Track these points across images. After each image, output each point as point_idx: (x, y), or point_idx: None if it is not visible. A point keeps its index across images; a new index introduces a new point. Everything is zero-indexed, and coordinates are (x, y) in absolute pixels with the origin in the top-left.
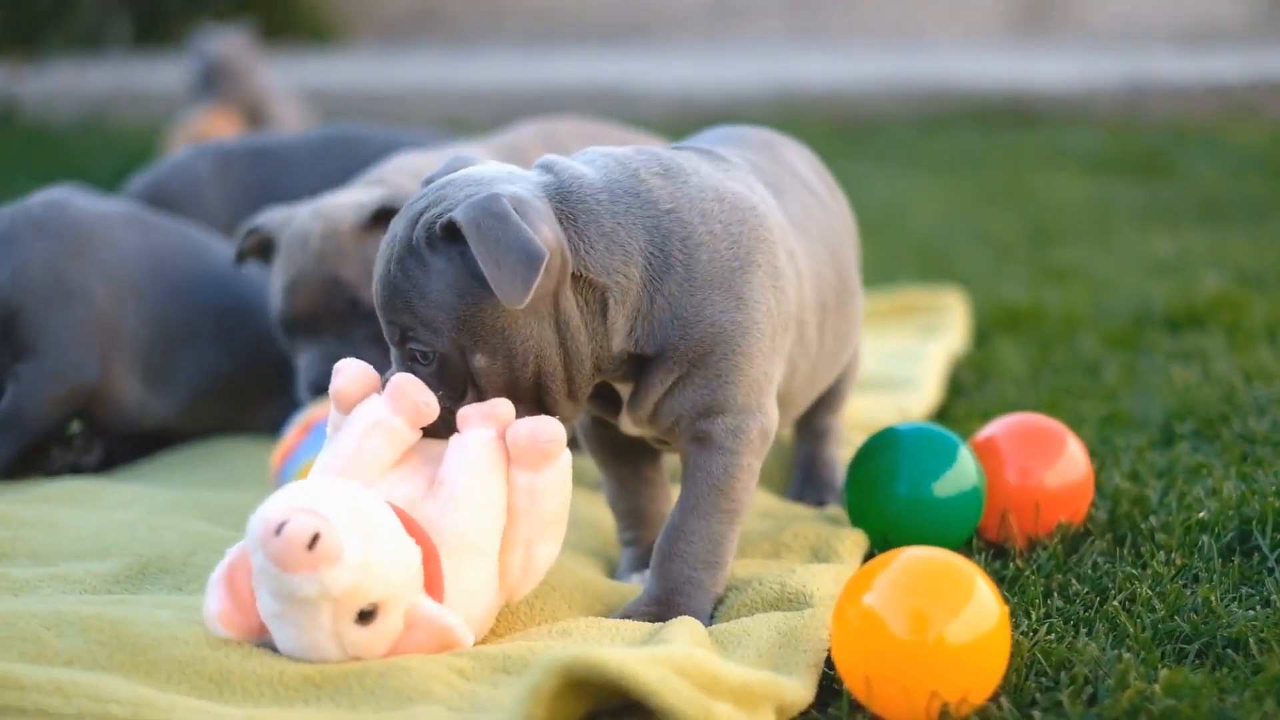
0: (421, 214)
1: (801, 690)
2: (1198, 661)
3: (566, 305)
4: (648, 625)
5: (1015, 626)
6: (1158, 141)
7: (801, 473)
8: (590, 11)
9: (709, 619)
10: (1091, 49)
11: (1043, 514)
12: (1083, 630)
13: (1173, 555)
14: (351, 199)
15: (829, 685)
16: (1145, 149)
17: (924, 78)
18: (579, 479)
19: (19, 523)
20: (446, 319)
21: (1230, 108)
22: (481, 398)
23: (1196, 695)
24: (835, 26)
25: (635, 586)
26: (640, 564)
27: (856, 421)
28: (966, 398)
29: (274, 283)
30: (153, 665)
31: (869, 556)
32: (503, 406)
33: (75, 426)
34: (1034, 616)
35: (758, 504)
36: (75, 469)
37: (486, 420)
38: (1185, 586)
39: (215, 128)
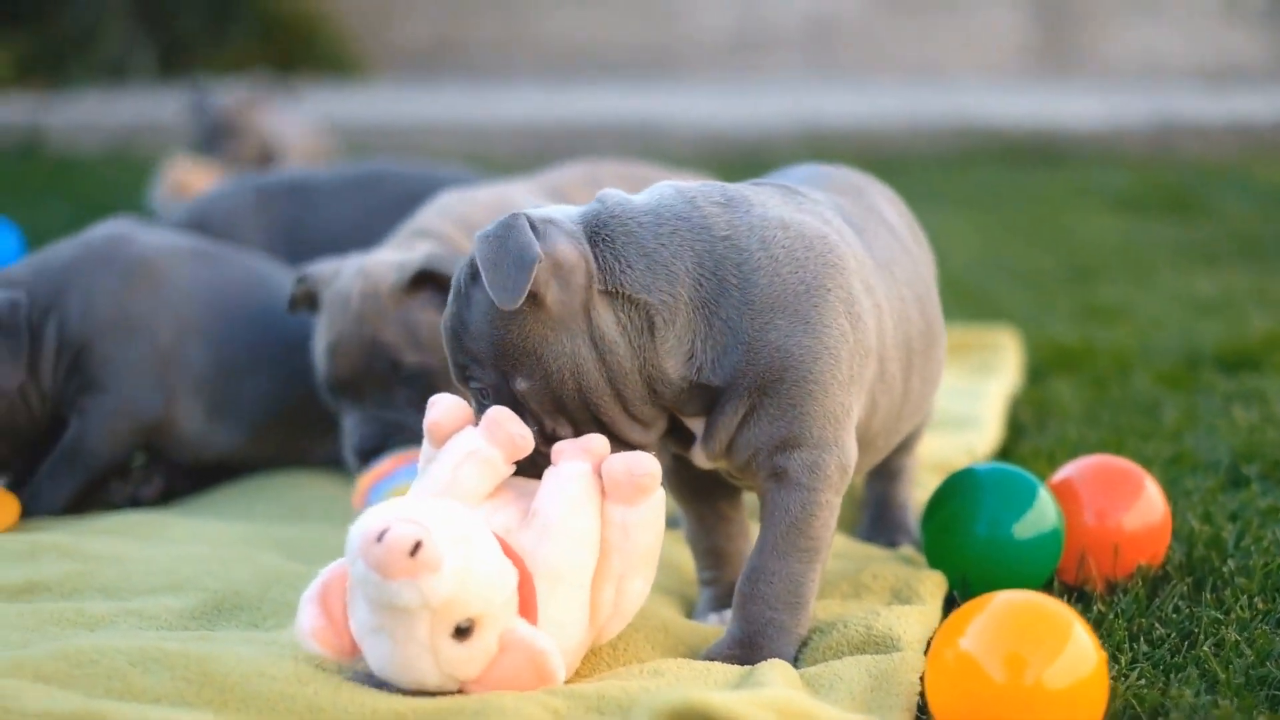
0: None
1: None
2: None
3: (600, 321)
4: (737, 668)
5: None
6: (1186, 180)
7: (873, 513)
8: (609, 45)
9: (793, 661)
10: (1113, 87)
11: (1122, 556)
12: (1173, 676)
13: (1255, 599)
14: (394, 259)
15: None
16: (1174, 187)
17: (949, 115)
18: None
19: (86, 556)
20: (486, 348)
21: (1257, 146)
22: (575, 432)
23: None
24: (854, 62)
25: (714, 627)
26: (718, 604)
27: (924, 461)
28: (1029, 438)
29: (318, 343)
30: (242, 702)
31: (948, 598)
32: (597, 441)
33: (136, 458)
34: (1123, 661)
35: (832, 544)
36: (135, 501)
37: (582, 454)
38: (1272, 631)
39: (194, 179)
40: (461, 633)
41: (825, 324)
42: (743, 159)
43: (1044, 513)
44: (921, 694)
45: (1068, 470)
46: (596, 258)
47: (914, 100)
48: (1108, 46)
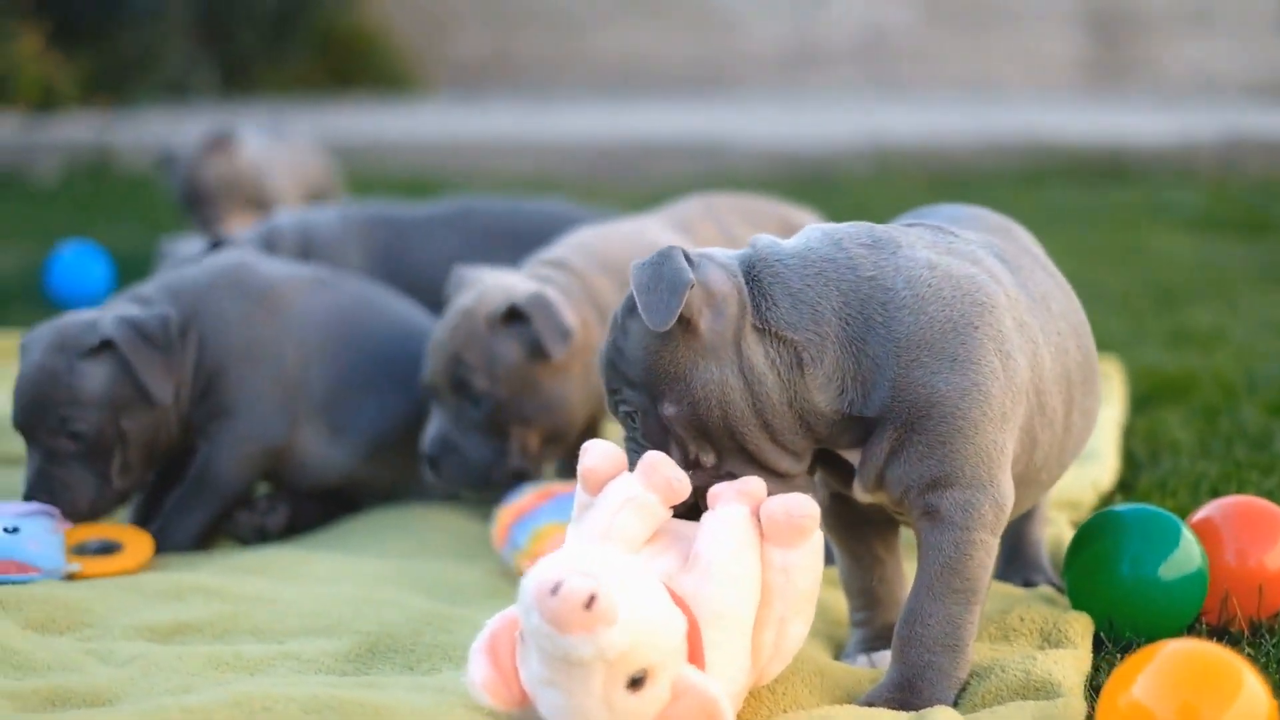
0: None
1: None
2: None
3: (751, 354)
4: (901, 714)
5: None
6: (1260, 198)
7: (1007, 552)
8: (663, 60)
9: (953, 705)
10: (1175, 102)
11: (1266, 597)
12: None
13: None
14: (510, 285)
15: None
16: (1249, 206)
17: (1015, 131)
18: None
19: (234, 597)
20: (638, 372)
21: None
22: (720, 459)
23: None
24: (908, 77)
25: (865, 669)
26: (868, 645)
27: (1051, 496)
28: (1145, 471)
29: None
30: None
31: (1095, 639)
32: (755, 484)
33: (258, 488)
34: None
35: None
36: (261, 532)
37: (740, 497)
38: None
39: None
40: (635, 683)
41: (973, 361)
42: (810, 177)
43: (1189, 553)
44: None
45: (1208, 510)
46: (750, 295)
47: (978, 116)
48: (1164, 61)
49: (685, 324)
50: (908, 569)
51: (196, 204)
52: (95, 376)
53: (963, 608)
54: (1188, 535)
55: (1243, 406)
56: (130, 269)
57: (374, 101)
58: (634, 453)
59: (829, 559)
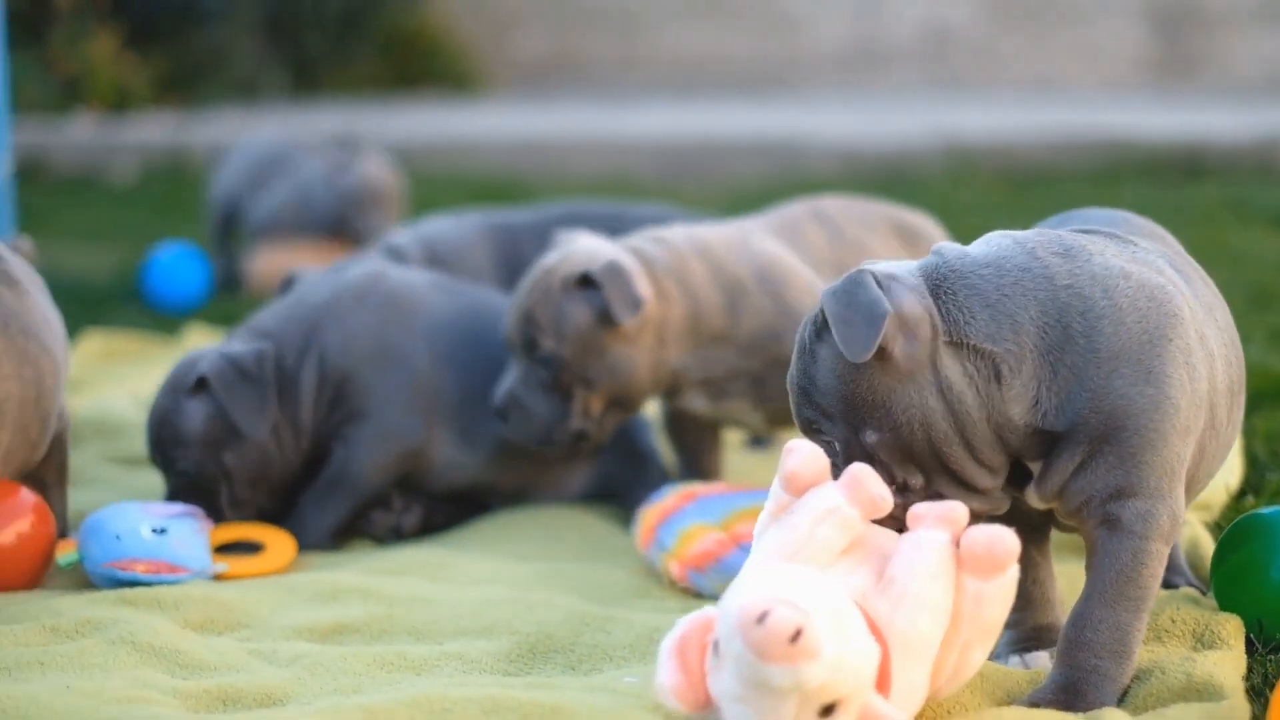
0: (811, 316)
1: None
2: None
3: (948, 372)
4: (1069, 716)
5: None
6: None
7: None
8: (726, 59)
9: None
10: (1245, 98)
11: None
12: None
13: None
14: (594, 251)
15: None
16: None
17: (1086, 129)
18: None
19: (390, 599)
20: (834, 402)
21: None
22: (926, 480)
23: None
24: (971, 74)
25: (1018, 670)
26: (1020, 645)
27: None
28: (1271, 473)
29: None
30: None
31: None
32: (959, 510)
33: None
34: None
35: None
36: (397, 531)
37: (940, 523)
38: None
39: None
40: (826, 711)
41: (1167, 374)
42: (886, 176)
43: None
44: None
45: None
46: (940, 310)
47: (1047, 113)
48: (1229, 57)
49: (881, 352)
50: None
51: (361, 212)
52: (195, 415)
53: (1133, 615)
54: None
55: None
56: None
57: (439, 102)
58: (834, 464)
59: None
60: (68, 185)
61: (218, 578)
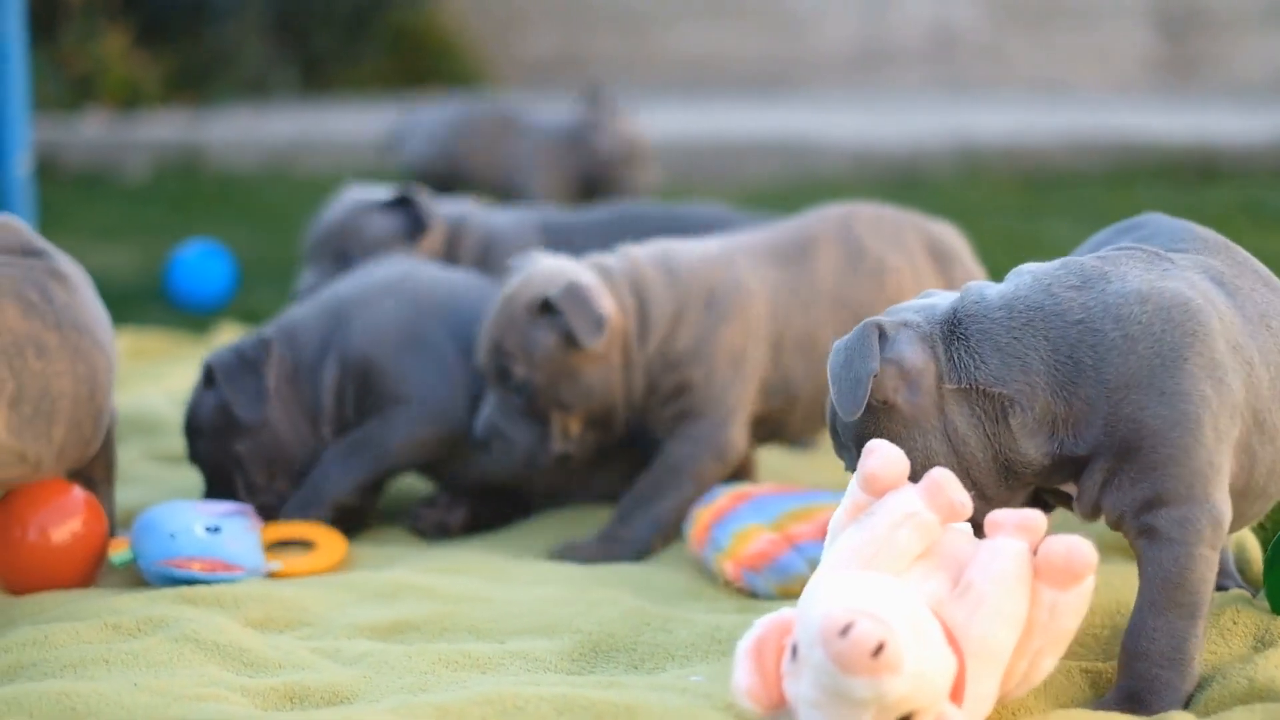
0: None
1: None
2: None
3: (954, 417)
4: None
5: None
6: None
7: None
8: (731, 60)
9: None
10: (1254, 100)
11: None
12: None
13: None
14: (552, 274)
15: None
16: None
17: (1097, 130)
18: None
19: (448, 597)
20: (850, 438)
21: None
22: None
23: None
24: (978, 75)
25: (1078, 674)
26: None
27: None
28: None
29: None
30: None
31: None
32: (1038, 519)
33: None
34: None
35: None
36: (443, 528)
37: (1019, 531)
38: None
39: None
40: None
41: (1182, 393)
42: (898, 177)
43: None
44: None
45: None
46: (951, 355)
47: (1057, 115)
48: (1234, 59)
49: (884, 402)
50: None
51: (625, 168)
52: (206, 405)
53: (1187, 622)
54: None
55: None
56: (250, 269)
57: (449, 100)
58: None
59: None
60: (81, 182)
61: (271, 576)
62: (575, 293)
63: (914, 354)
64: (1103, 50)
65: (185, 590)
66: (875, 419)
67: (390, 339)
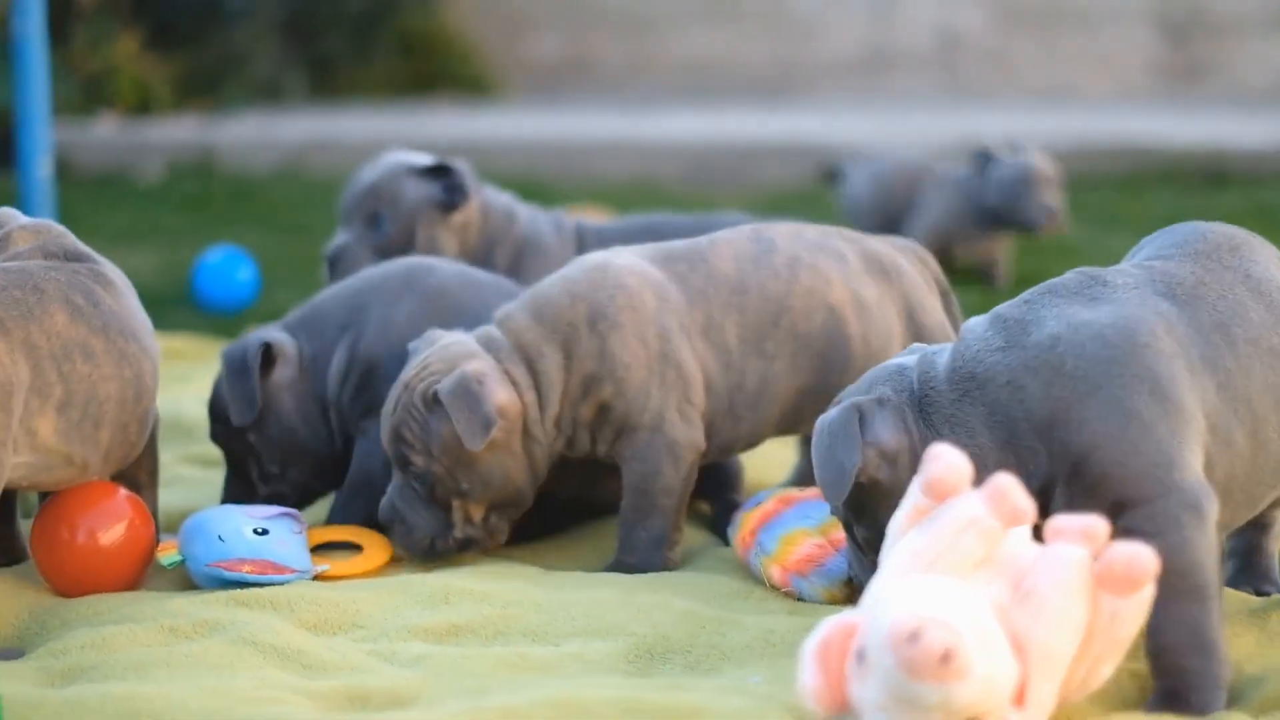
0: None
1: None
2: None
3: None
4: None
5: None
6: None
7: (1239, 561)
8: (736, 64)
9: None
10: (1261, 106)
11: None
12: None
13: None
14: (446, 362)
15: None
16: None
17: (1104, 136)
18: None
19: (501, 600)
20: (839, 504)
21: None
22: None
23: None
24: (984, 82)
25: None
26: None
27: None
28: None
29: None
30: None
31: None
32: (1100, 526)
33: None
34: None
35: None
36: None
37: (1083, 538)
38: None
39: None
40: None
41: (1112, 407)
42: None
43: None
44: None
45: None
46: (920, 429)
47: (1064, 120)
48: (1239, 64)
49: (869, 479)
50: None
51: (1029, 193)
52: (219, 394)
53: (1198, 607)
54: None
55: None
56: (270, 270)
57: (457, 104)
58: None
59: None
60: (95, 185)
61: (319, 578)
62: (463, 391)
63: (890, 436)
64: (1107, 55)
65: (237, 593)
66: (861, 493)
67: (398, 344)
